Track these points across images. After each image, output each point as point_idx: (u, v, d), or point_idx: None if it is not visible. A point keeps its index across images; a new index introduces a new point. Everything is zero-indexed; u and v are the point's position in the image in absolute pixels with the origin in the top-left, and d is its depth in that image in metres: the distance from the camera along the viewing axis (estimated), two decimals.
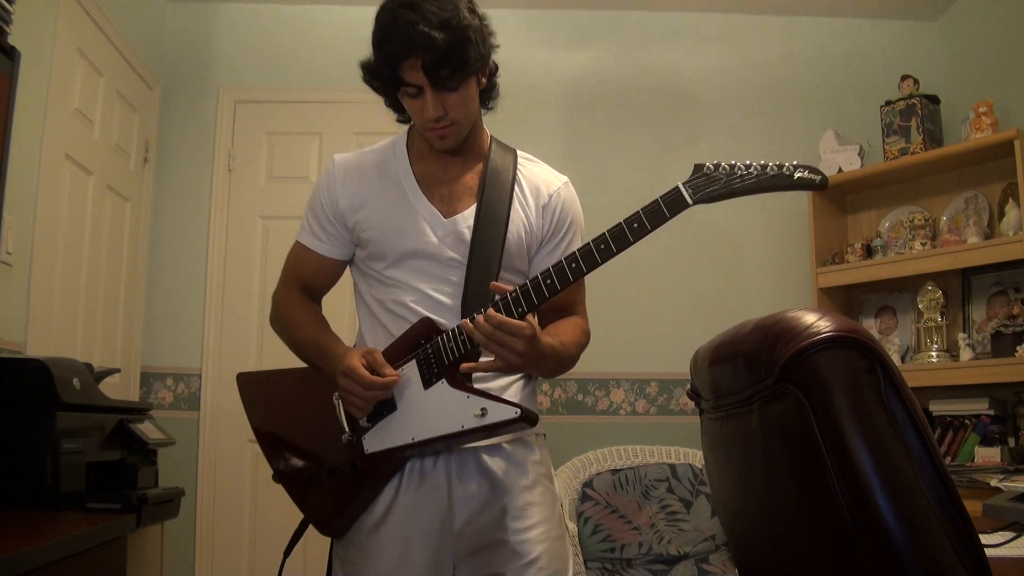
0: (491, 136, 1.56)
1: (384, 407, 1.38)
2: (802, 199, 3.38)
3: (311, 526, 1.47)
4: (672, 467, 3.11)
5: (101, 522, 1.52)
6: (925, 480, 0.77)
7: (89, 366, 1.98)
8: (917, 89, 3.26)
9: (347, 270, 1.59)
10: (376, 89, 1.44)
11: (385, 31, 1.34)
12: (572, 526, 2.80)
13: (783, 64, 3.63)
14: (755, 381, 0.89)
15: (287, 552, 1.48)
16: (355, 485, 1.40)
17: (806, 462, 0.81)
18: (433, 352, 1.35)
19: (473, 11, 1.37)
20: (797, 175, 1.23)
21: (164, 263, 3.35)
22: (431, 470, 1.41)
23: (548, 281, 1.28)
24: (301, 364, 1.53)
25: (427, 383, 1.35)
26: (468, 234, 1.43)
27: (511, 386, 1.45)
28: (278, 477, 1.49)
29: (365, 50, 1.41)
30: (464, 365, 1.32)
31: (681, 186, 1.25)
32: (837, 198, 3.48)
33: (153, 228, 3.35)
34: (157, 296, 3.32)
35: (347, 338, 1.51)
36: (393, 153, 1.53)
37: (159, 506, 1.95)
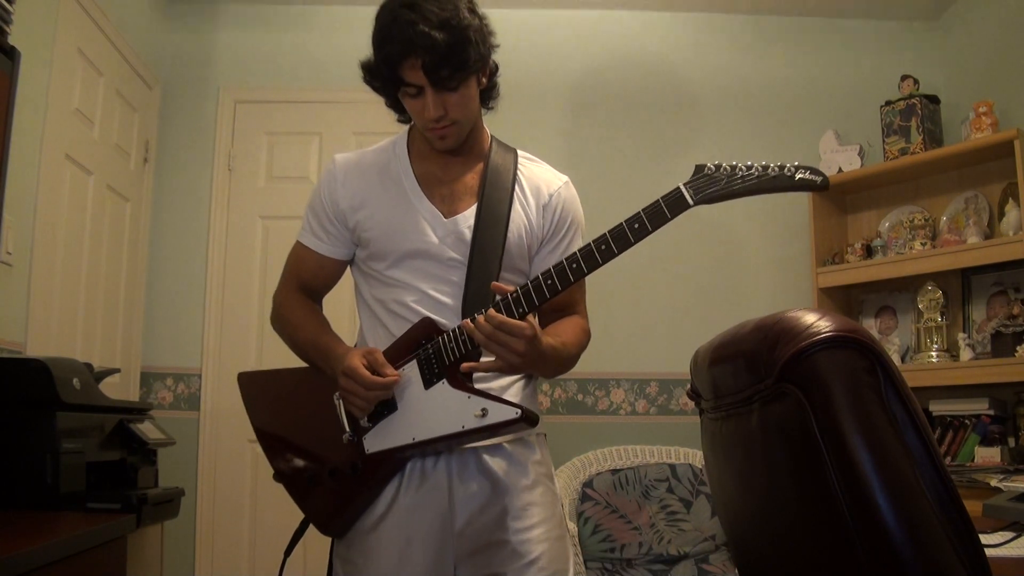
0: (491, 136, 1.56)
1: (385, 407, 1.38)
2: (802, 199, 3.38)
3: (312, 526, 1.47)
4: (672, 467, 3.11)
5: (101, 522, 1.52)
6: (925, 480, 0.77)
7: (89, 366, 1.98)
8: (917, 89, 3.26)
9: (348, 270, 1.59)
10: (376, 89, 1.44)
11: (385, 31, 1.34)
12: (572, 526, 2.80)
13: (783, 64, 3.63)
14: (755, 381, 0.89)
15: (288, 552, 1.49)
16: (356, 485, 1.40)
17: (806, 462, 0.81)
18: (434, 352, 1.35)
19: (473, 11, 1.37)
20: (798, 176, 1.23)
21: (164, 263, 3.35)
22: (432, 470, 1.41)
23: (549, 281, 1.28)
24: (302, 364, 1.53)
25: (428, 383, 1.35)
26: (468, 234, 1.43)
27: (512, 386, 1.46)
28: (279, 477, 1.49)
29: (365, 50, 1.41)
30: (464, 365, 1.32)
31: (682, 187, 1.25)
32: (837, 198, 3.48)
33: (153, 228, 3.35)
34: (157, 296, 3.32)
35: (347, 338, 1.51)
36: (394, 153, 1.53)
37: (159, 506, 1.95)
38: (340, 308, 2.71)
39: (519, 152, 1.56)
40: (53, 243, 2.52)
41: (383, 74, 1.37)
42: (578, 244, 1.52)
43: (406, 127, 1.56)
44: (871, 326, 3.38)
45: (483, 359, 1.32)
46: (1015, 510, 1.48)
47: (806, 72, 3.62)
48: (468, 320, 1.29)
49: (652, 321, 3.42)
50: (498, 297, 1.30)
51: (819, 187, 1.24)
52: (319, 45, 3.49)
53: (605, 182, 3.40)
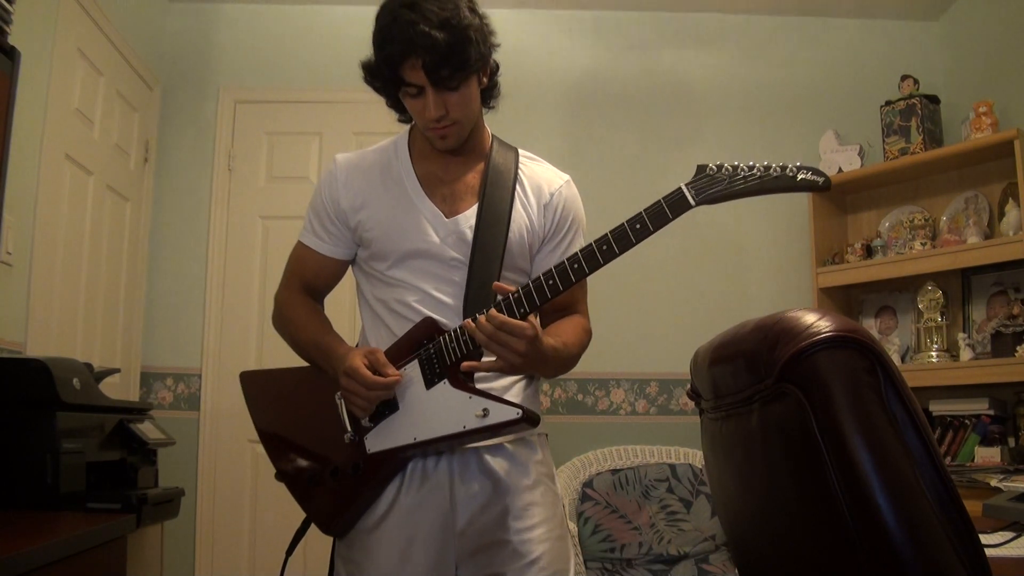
0: (492, 135, 1.56)
1: (386, 407, 1.38)
2: (802, 199, 3.38)
3: (313, 526, 1.47)
4: (672, 467, 3.11)
5: (101, 522, 1.52)
6: (925, 480, 0.77)
7: (89, 366, 1.98)
8: (917, 89, 3.26)
9: (349, 270, 1.59)
10: (377, 89, 1.44)
11: (385, 31, 1.34)
12: (572, 526, 2.80)
13: (783, 64, 3.63)
14: (755, 381, 0.89)
15: (289, 552, 1.49)
16: (357, 485, 1.40)
17: (806, 462, 0.81)
18: (435, 352, 1.35)
19: (474, 10, 1.37)
20: (800, 176, 1.23)
21: (164, 263, 3.35)
22: (433, 470, 1.41)
23: (550, 282, 1.28)
24: (303, 364, 1.53)
25: (429, 383, 1.36)
26: (470, 234, 1.43)
27: (513, 386, 1.46)
28: (281, 476, 1.49)
29: (365, 50, 1.41)
30: (465, 364, 1.32)
31: (684, 187, 1.25)
32: (837, 198, 3.48)
33: (153, 228, 3.35)
34: (157, 296, 3.32)
35: (347, 338, 1.51)
36: (395, 153, 1.53)
37: (159, 506, 1.95)
38: (340, 308, 2.72)
39: (520, 151, 1.56)
40: (53, 243, 2.52)
41: (384, 74, 1.37)
42: (579, 243, 1.52)
43: (407, 127, 1.56)
44: (871, 326, 3.38)
45: (484, 359, 1.32)
46: (1015, 510, 1.48)
47: (806, 72, 3.62)
48: (469, 320, 1.29)
49: (652, 321, 3.42)
50: (499, 297, 1.30)
51: (821, 187, 1.23)
52: (319, 45, 3.49)
53: (606, 182, 3.40)
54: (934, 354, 3.08)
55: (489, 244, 1.42)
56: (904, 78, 3.30)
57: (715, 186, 1.24)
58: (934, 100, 3.29)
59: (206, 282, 3.34)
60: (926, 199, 3.33)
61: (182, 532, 3.07)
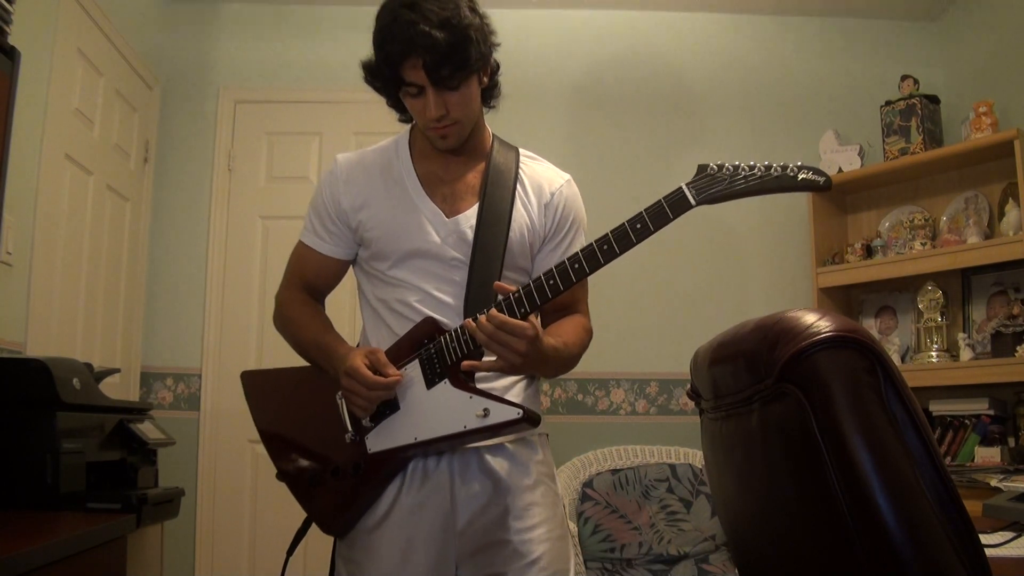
0: (493, 135, 1.56)
1: (387, 407, 1.38)
2: (802, 199, 3.38)
3: (313, 525, 1.47)
4: (672, 467, 3.11)
5: (101, 522, 1.52)
6: (925, 480, 0.77)
7: (89, 366, 1.98)
8: (917, 89, 3.26)
9: (350, 270, 1.59)
10: (378, 89, 1.44)
11: (386, 31, 1.34)
12: (572, 526, 2.80)
13: (783, 64, 3.63)
14: (755, 381, 0.89)
15: (290, 551, 1.49)
16: (358, 484, 1.40)
17: (806, 462, 0.81)
18: (436, 352, 1.35)
19: (474, 10, 1.37)
20: (801, 176, 1.23)
21: (164, 263, 3.35)
22: (434, 470, 1.41)
23: (551, 282, 1.28)
24: (303, 363, 1.53)
25: (430, 383, 1.36)
26: (470, 234, 1.43)
27: (514, 386, 1.46)
28: (282, 476, 1.49)
29: (365, 50, 1.41)
30: (466, 363, 1.31)
31: (684, 187, 1.25)
32: (837, 198, 3.48)
33: (153, 228, 3.35)
34: (157, 296, 3.32)
35: (348, 338, 1.51)
36: (395, 152, 1.53)
37: (159, 506, 1.95)
38: (340, 308, 2.72)
39: (521, 151, 1.56)
40: (53, 243, 2.52)
41: (384, 74, 1.37)
42: (580, 242, 1.52)
43: (407, 126, 1.56)
44: (871, 326, 3.38)
45: (485, 359, 1.32)
46: (1015, 510, 1.48)
47: (806, 72, 3.62)
48: (470, 320, 1.29)
49: (652, 321, 3.42)
50: (500, 297, 1.30)
51: (822, 187, 1.23)
52: (319, 45, 3.49)
53: (606, 181, 3.40)
54: (934, 354, 3.08)
55: (490, 244, 1.42)
56: (904, 78, 3.30)
57: (716, 186, 1.24)
58: (934, 100, 3.29)
59: (206, 282, 3.34)
60: (926, 199, 3.33)
61: (182, 532, 3.07)
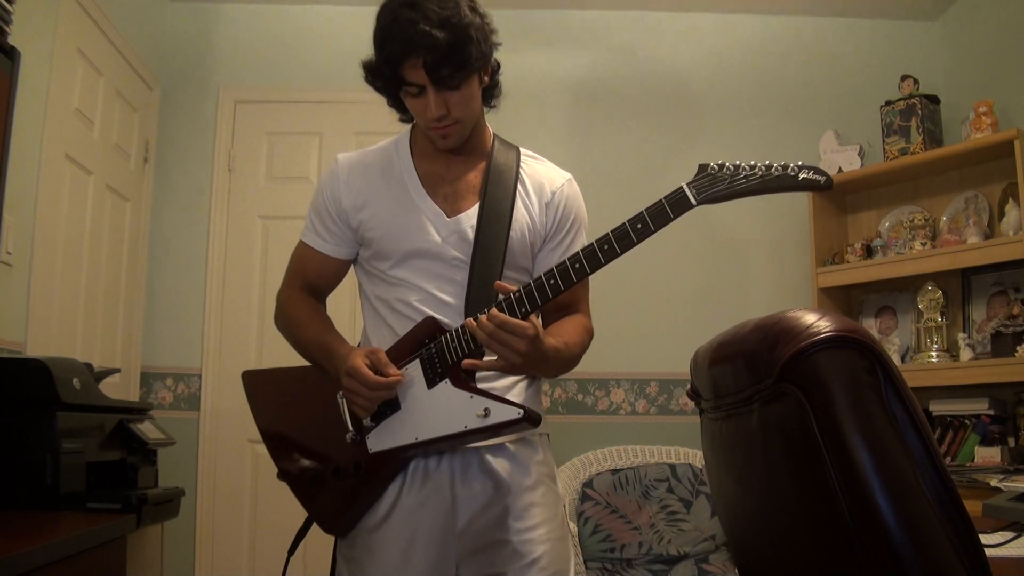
0: (494, 134, 1.56)
1: (388, 407, 1.38)
2: (802, 199, 3.38)
3: (314, 525, 1.47)
4: (672, 467, 3.11)
5: (101, 522, 1.52)
6: (925, 480, 0.77)
7: (89, 366, 1.98)
8: (917, 89, 3.26)
9: (351, 269, 1.59)
10: (378, 89, 1.44)
11: (386, 31, 1.34)
12: (572, 526, 2.80)
13: (783, 64, 3.63)
14: (755, 381, 0.89)
15: (291, 551, 1.49)
16: (359, 484, 1.40)
17: (806, 462, 0.81)
18: (437, 352, 1.35)
19: (474, 9, 1.37)
20: (802, 176, 1.23)
21: (164, 263, 3.35)
22: (434, 470, 1.41)
23: (552, 281, 1.28)
24: (304, 363, 1.53)
25: (431, 383, 1.36)
26: (471, 233, 1.43)
27: (515, 386, 1.46)
28: (283, 476, 1.49)
29: (366, 50, 1.41)
30: (466, 361, 1.31)
31: (685, 186, 1.25)
32: (837, 198, 3.48)
33: (153, 228, 3.35)
34: (157, 296, 3.32)
35: (348, 337, 1.51)
36: (396, 152, 1.53)
37: (159, 506, 1.94)
38: (340, 308, 2.71)
39: (521, 150, 1.56)
40: (53, 243, 2.52)
41: (384, 74, 1.37)
42: (581, 241, 1.52)
43: (408, 126, 1.56)
44: (871, 326, 3.38)
45: (486, 358, 1.32)
46: (1015, 510, 1.48)
47: (806, 72, 3.62)
48: (471, 319, 1.29)
49: (652, 321, 3.42)
50: (500, 296, 1.30)
51: (823, 187, 1.23)
52: (319, 45, 3.49)
53: (607, 181, 3.40)
54: (934, 354, 3.08)
55: (491, 243, 1.42)
56: (904, 78, 3.30)
57: (716, 185, 1.24)
58: (934, 100, 3.29)
59: (206, 282, 3.34)
60: (926, 199, 3.33)
61: (182, 532, 3.07)
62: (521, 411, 1.27)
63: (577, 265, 1.27)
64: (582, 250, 1.28)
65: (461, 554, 1.40)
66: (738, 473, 1.05)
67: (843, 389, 0.79)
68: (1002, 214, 2.98)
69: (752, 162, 1.24)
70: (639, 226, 1.25)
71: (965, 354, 3.01)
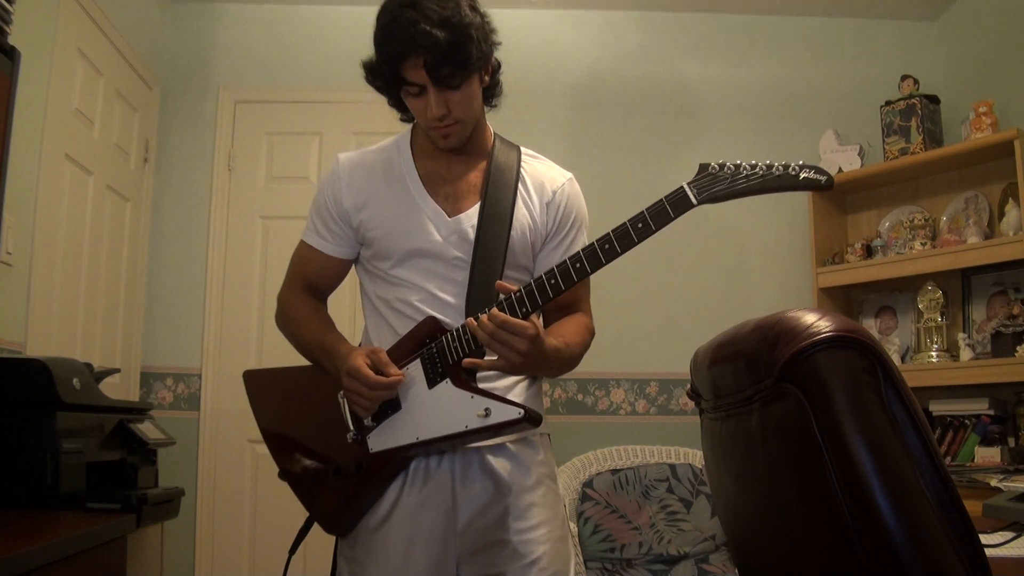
0: (495, 133, 1.56)
1: (389, 406, 1.38)
2: (802, 199, 3.38)
3: (315, 525, 1.47)
4: (672, 467, 3.11)
5: (101, 522, 1.52)
6: (925, 480, 0.77)
7: (89, 366, 1.98)
8: (917, 89, 3.27)
9: (351, 269, 1.59)
10: (379, 89, 1.44)
11: (386, 30, 1.34)
12: (572, 526, 2.80)
13: (783, 64, 3.63)
14: (755, 381, 0.89)
15: (292, 550, 1.49)
16: (360, 484, 1.41)
17: (806, 462, 0.81)
18: (438, 351, 1.35)
19: (475, 8, 1.37)
20: (803, 175, 1.22)
21: (164, 263, 3.35)
22: (435, 469, 1.41)
23: (552, 281, 1.28)
24: (305, 363, 1.53)
25: (431, 383, 1.36)
26: (472, 233, 1.43)
27: (516, 386, 1.46)
28: (284, 475, 1.49)
29: (365, 50, 1.41)
30: (467, 360, 1.31)
31: (686, 186, 1.25)
32: (837, 198, 3.48)
33: (153, 228, 3.36)
34: (157, 296, 3.32)
35: (348, 337, 1.51)
36: (397, 152, 1.53)
37: (159, 506, 1.94)
38: (340, 308, 2.71)
39: (522, 149, 1.56)
40: (53, 243, 2.52)
41: (385, 74, 1.37)
42: (582, 240, 1.52)
43: (408, 125, 1.56)
44: (871, 326, 3.38)
45: (486, 358, 1.32)
46: (1015, 510, 1.48)
47: (806, 72, 3.63)
48: (471, 319, 1.29)
49: (652, 321, 3.42)
50: (501, 296, 1.30)
51: (824, 187, 1.23)
52: (319, 45, 3.49)
53: (608, 180, 3.40)
54: (934, 354, 3.08)
55: (491, 243, 1.42)
56: (904, 78, 3.30)
57: (717, 185, 1.24)
58: (934, 100, 3.29)
59: (206, 282, 3.34)
60: (926, 199, 3.33)
61: (182, 532, 3.07)
62: (522, 411, 1.27)
63: (578, 265, 1.27)
64: (583, 250, 1.28)
65: (461, 554, 1.40)
66: (738, 473, 1.05)
67: (843, 389, 0.79)
68: (1002, 214, 2.98)
69: (753, 162, 1.24)
70: (640, 226, 1.25)
71: (965, 354, 3.01)
